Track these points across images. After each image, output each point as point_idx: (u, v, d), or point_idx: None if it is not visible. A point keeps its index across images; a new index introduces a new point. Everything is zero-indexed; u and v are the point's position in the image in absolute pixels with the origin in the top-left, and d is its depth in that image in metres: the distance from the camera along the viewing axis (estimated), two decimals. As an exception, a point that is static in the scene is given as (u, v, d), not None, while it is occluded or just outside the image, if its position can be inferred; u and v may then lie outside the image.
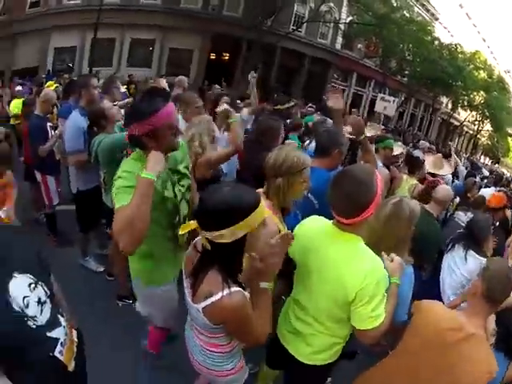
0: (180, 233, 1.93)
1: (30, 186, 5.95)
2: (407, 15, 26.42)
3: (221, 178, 4.33)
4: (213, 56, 26.17)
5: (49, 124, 5.26)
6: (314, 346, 2.34)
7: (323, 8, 26.27)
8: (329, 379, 3.06)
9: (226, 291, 1.79)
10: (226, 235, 1.74)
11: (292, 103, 6.57)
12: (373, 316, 2.05)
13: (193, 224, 1.83)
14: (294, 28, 25.97)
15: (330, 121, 6.87)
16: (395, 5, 25.66)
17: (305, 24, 26.50)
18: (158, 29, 23.81)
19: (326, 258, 2.17)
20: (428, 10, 33.62)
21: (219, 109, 3.64)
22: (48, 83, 9.15)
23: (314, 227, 2.35)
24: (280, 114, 5.49)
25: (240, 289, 1.84)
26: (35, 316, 1.59)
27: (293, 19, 26.93)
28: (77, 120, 4.46)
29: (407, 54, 27.59)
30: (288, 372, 2.66)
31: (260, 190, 2.59)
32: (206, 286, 1.85)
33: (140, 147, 2.38)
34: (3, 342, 1.47)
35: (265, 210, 1.86)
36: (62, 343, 1.68)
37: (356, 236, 2.15)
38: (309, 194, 3.02)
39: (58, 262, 1.90)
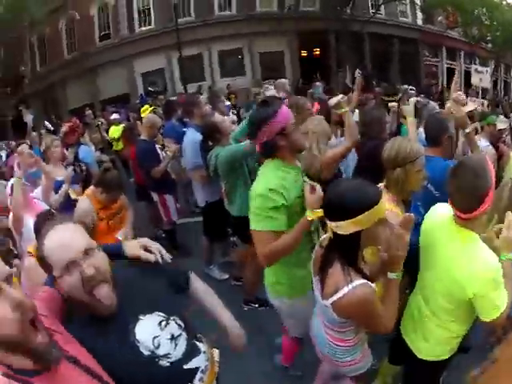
0: (308, 218, 2.16)
1: (146, 205, 6.24)
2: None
3: (342, 176, 4.06)
4: (304, 53, 25.93)
5: (157, 146, 5.54)
6: (430, 340, 2.33)
7: None
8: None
9: (350, 285, 1.83)
10: (343, 227, 1.81)
11: (400, 95, 6.55)
12: (497, 305, 2.00)
13: (320, 212, 1.99)
14: (374, 12, 25.13)
15: (432, 103, 6.85)
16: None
17: (382, 5, 25.69)
18: (242, 37, 23.90)
19: (443, 257, 2.17)
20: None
21: (332, 101, 3.46)
22: (144, 108, 9.54)
23: (437, 221, 2.32)
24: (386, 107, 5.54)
25: (365, 280, 1.86)
26: (168, 354, 1.62)
27: (369, 2, 26.13)
28: (194, 137, 4.70)
29: (484, 19, 25.75)
30: (407, 367, 2.71)
31: (381, 185, 2.65)
32: (332, 282, 1.91)
33: (274, 151, 2.45)
34: None
35: (385, 208, 1.88)
36: (202, 370, 1.73)
37: (473, 234, 2.10)
38: (428, 185, 3.05)
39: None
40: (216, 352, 1.90)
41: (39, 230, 2.74)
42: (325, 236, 2.14)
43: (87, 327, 1.55)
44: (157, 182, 5.35)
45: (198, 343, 1.79)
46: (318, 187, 2.35)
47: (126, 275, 1.68)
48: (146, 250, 1.79)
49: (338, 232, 1.85)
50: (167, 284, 1.78)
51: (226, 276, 5.19)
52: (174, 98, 10.13)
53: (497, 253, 2.07)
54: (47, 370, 1.18)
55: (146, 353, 1.57)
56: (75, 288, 1.45)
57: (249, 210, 2.48)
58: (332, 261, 1.94)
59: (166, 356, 1.61)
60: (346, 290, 1.83)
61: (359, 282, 1.84)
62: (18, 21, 24.00)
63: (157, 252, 1.79)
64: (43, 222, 2.79)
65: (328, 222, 1.91)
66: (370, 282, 1.88)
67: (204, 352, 1.78)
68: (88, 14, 24.74)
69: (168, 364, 1.61)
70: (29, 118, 19.40)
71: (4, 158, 10.43)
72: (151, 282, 1.71)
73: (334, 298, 1.88)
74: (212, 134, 4.24)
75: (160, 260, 1.78)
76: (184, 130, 5.71)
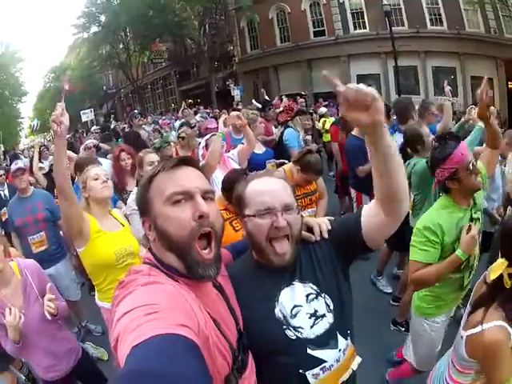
0: (491, 278, 1.90)
1: (341, 200, 6.34)
2: None
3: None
4: (511, 84, 23.42)
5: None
6: None
7: None
8: None
9: (495, 323, 1.76)
10: None
11: None
12: None
13: (503, 263, 1.83)
14: None
15: None
16: None
17: None
18: (454, 55, 22.97)
19: None
20: None
21: None
22: None
23: None
24: None
25: (506, 325, 1.76)
26: (300, 327, 1.53)
27: None
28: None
29: None
30: None
31: None
32: (478, 315, 1.85)
33: (445, 191, 2.63)
34: (253, 340, 1.49)
35: None
36: (325, 367, 1.53)
37: None
38: None
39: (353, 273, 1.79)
40: (357, 360, 1.65)
41: (230, 182, 3.01)
42: (494, 267, 1.97)
43: (246, 271, 1.66)
44: (359, 180, 5.35)
45: (340, 337, 1.58)
46: (474, 228, 2.49)
47: (312, 243, 1.70)
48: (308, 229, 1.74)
49: None
50: (329, 262, 1.67)
51: (390, 290, 5.05)
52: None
53: None
54: (195, 279, 1.25)
55: (278, 315, 1.55)
56: (259, 232, 1.54)
57: None
58: (489, 303, 1.86)
59: (296, 329, 1.54)
60: (485, 326, 1.79)
61: (502, 323, 1.76)
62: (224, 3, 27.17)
63: (316, 231, 1.72)
64: (236, 177, 3.07)
65: (508, 270, 1.81)
66: (509, 328, 1.76)
67: (340, 350, 1.57)
68: (299, 8, 26.20)
69: (294, 337, 1.53)
70: (236, 92, 21.17)
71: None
72: (326, 254, 1.67)
73: (474, 330, 1.85)
74: (413, 144, 4.13)
75: (318, 238, 1.70)
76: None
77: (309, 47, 25.95)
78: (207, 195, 1.29)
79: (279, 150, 6.06)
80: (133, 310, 1.03)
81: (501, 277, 1.82)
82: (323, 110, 11.70)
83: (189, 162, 1.34)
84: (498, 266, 1.85)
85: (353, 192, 5.63)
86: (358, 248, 1.65)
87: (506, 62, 21.89)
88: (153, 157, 4.07)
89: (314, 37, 26.15)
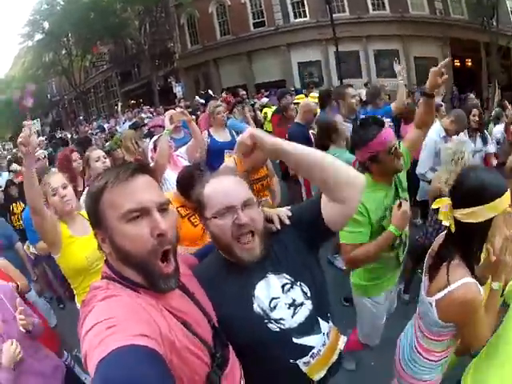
0: (433, 207, 1.97)
1: (289, 185, 6.39)
2: None
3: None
4: (457, 62, 24.23)
5: (311, 132, 5.75)
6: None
7: None
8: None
9: (462, 281, 1.76)
10: (476, 214, 1.75)
11: None
12: None
13: (446, 200, 1.88)
14: None
15: None
16: None
17: None
18: (396, 38, 23.37)
19: None
20: None
21: None
22: (299, 96, 9.84)
23: None
24: None
25: (475, 280, 1.77)
26: (281, 319, 1.54)
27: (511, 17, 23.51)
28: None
29: None
30: None
31: None
32: (442, 278, 1.84)
33: (365, 170, 2.59)
34: (236, 339, 1.51)
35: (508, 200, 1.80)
36: (313, 354, 1.56)
37: None
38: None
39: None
40: (342, 339, 1.69)
41: (185, 180, 3.08)
42: (438, 239, 2.12)
43: (216, 270, 1.65)
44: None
45: (322, 321, 1.61)
46: (405, 203, 2.55)
47: (279, 232, 1.71)
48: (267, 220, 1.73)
49: (469, 220, 1.78)
50: (297, 250, 1.69)
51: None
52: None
53: None
54: (156, 292, 1.26)
55: (257, 311, 1.54)
56: (223, 232, 1.53)
57: None
58: (448, 256, 1.88)
59: (278, 321, 1.54)
60: (453, 286, 1.77)
61: (469, 280, 1.77)
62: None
63: (275, 219, 1.73)
64: (190, 173, 3.10)
65: (455, 212, 1.83)
66: (478, 284, 1.79)
67: (324, 334, 1.60)
68: (239, 1, 26.23)
69: (277, 329, 1.53)
70: (178, 89, 21.06)
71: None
72: (292, 242, 1.68)
73: (442, 293, 1.83)
74: (328, 134, 4.17)
75: (279, 227, 1.71)
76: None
77: (249, 39, 26.11)
78: (163, 207, 1.26)
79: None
80: (95, 326, 1.05)
81: (462, 225, 1.82)
82: (265, 100, 11.82)
83: (142, 169, 1.29)
84: (443, 200, 1.91)
85: (301, 179, 5.61)
86: (322, 231, 1.67)
87: (451, 41, 22.97)
88: (99, 152, 4.12)
89: (254, 28, 26.25)
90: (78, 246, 2.95)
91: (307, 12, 24.63)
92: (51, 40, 31.65)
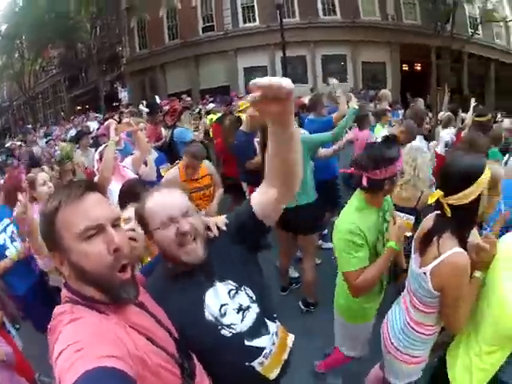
0: (429, 202, 2.08)
1: (232, 197, 6.25)
2: None
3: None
4: (405, 67, 25.55)
5: (255, 139, 5.52)
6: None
7: (489, 7, 23.71)
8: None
9: (453, 250, 1.90)
10: (468, 194, 1.90)
11: (490, 115, 6.26)
12: None
13: (438, 193, 2.00)
14: (473, 31, 23.70)
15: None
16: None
17: (480, 25, 24.27)
18: (346, 43, 24.00)
19: (493, 283, 2.03)
20: None
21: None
22: (241, 103, 9.69)
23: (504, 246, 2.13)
24: (481, 126, 5.41)
25: (465, 251, 1.91)
26: (232, 324, 1.63)
27: (468, 22, 25.00)
28: None
29: None
30: None
31: None
32: (434, 249, 1.98)
33: (376, 190, 2.53)
34: (194, 347, 1.58)
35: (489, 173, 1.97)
36: (265, 354, 1.66)
37: None
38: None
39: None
40: (290, 338, 1.81)
41: (126, 194, 2.98)
42: (426, 219, 2.24)
43: (165, 281, 1.70)
44: (250, 174, 5.32)
45: (269, 323, 1.72)
46: (398, 219, 2.59)
47: (217, 240, 1.75)
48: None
49: (461, 202, 1.93)
50: (241, 256, 1.76)
51: (297, 275, 5.06)
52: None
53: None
54: (116, 302, 1.28)
55: (210, 318, 1.61)
56: (168, 242, 1.59)
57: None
58: (440, 232, 2.01)
59: (229, 326, 1.63)
60: (447, 254, 1.91)
61: (459, 249, 1.91)
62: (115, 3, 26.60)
63: (212, 226, 1.79)
64: (132, 188, 3.02)
65: (448, 199, 1.97)
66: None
67: (273, 334, 1.71)
68: (190, 5, 26.11)
69: (230, 334, 1.62)
70: (123, 94, 20.57)
71: (95, 129, 10.94)
72: (231, 249, 1.74)
73: (435, 262, 1.96)
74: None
75: (217, 234, 1.77)
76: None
77: (197, 43, 25.87)
78: (116, 222, 1.30)
79: (172, 152, 6.20)
80: (63, 351, 1.06)
81: (456, 207, 1.95)
82: (211, 105, 11.44)
83: (92, 187, 1.32)
84: (435, 194, 2.02)
85: (245, 186, 5.65)
86: (256, 228, 1.74)
87: (401, 47, 23.86)
88: (44, 175, 4.08)
89: (203, 33, 26.08)
90: None
91: (257, 17, 24.83)
92: (7, 43, 30.76)
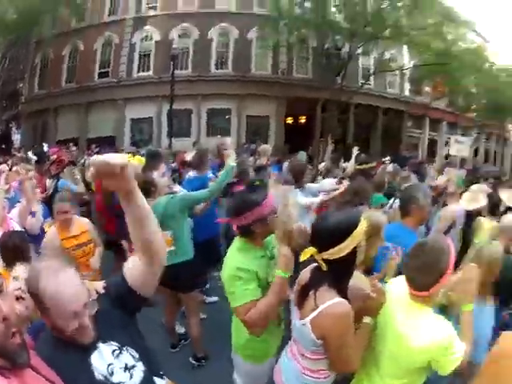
0: (302, 259, 2.13)
1: (114, 256, 6.19)
2: (463, 46, 23.09)
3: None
4: (290, 120, 26.09)
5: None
6: None
7: (386, 56, 25.04)
8: None
9: (334, 300, 1.98)
10: (342, 248, 1.98)
11: (374, 163, 6.85)
12: (454, 358, 2.01)
13: (311, 250, 2.07)
14: (363, 82, 24.83)
15: (413, 176, 7.26)
16: (450, 38, 22.46)
17: (372, 76, 25.60)
18: (234, 97, 24.14)
19: (386, 320, 2.22)
20: (479, 34, 28.75)
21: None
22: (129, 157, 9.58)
23: (393, 295, 2.30)
24: (363, 173, 5.79)
25: (345, 300, 2.00)
26: (121, 382, 1.65)
27: (360, 72, 26.17)
28: None
29: (471, 87, 25.33)
30: None
31: None
32: (312, 302, 2.04)
33: (248, 234, 2.61)
34: None
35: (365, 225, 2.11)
36: None
37: (427, 308, 2.13)
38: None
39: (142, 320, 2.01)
40: None
41: (9, 250, 3.03)
42: (303, 272, 2.31)
43: (52, 349, 1.64)
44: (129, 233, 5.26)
45: (157, 379, 1.79)
46: (284, 248, 2.44)
47: (101, 305, 1.74)
48: None
49: (338, 256, 1.99)
50: (121, 316, 1.80)
51: (183, 330, 5.02)
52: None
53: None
54: (14, 367, 1.32)
55: (100, 378, 1.62)
56: (64, 330, 1.56)
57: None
58: (317, 286, 2.06)
59: None
60: (326, 305, 1.97)
61: (338, 299, 1.98)
62: (28, 34, 24.30)
63: (91, 290, 1.76)
64: (12, 243, 3.08)
65: (323, 255, 2.03)
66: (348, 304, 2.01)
67: None
68: (92, 47, 25.25)
69: None
70: (16, 137, 19.49)
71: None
72: (112, 313, 1.76)
73: (314, 313, 2.00)
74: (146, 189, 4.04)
75: (94, 297, 1.74)
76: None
77: (92, 89, 24.77)
78: (1, 288, 1.31)
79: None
80: None
81: (331, 261, 2.02)
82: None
83: None
84: (308, 251, 2.08)
85: (125, 244, 5.28)
86: (134, 299, 1.78)
87: (288, 100, 24.30)
88: None
89: (98, 78, 25.18)
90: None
91: (151, 67, 24.50)
92: None
